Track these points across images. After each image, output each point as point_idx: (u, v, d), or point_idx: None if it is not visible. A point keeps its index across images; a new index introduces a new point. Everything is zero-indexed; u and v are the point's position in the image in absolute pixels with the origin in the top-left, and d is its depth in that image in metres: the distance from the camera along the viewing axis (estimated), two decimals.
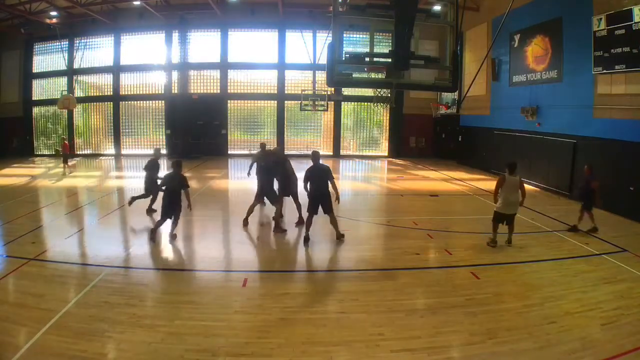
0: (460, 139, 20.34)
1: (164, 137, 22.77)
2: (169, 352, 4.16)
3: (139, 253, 7.16)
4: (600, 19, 10.01)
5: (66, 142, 16.91)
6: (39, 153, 23.53)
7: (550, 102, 13.26)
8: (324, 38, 19.96)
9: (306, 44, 21.95)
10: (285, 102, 22.76)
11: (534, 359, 4.17)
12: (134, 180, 16.00)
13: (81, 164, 20.29)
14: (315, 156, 7.67)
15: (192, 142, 21.97)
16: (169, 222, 7.80)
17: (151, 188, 9.54)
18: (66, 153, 16.34)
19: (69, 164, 16.38)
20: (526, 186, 14.74)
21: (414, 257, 7.11)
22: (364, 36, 19.63)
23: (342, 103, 22.91)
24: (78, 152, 23.29)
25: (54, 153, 18.29)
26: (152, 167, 9.76)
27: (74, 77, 22.71)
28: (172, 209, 7.67)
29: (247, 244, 7.79)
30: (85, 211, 10.59)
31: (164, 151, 22.43)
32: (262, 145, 9.70)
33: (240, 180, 14.02)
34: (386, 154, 23.43)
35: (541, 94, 13.68)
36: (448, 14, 5.86)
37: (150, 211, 9.73)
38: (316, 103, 20.66)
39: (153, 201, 9.80)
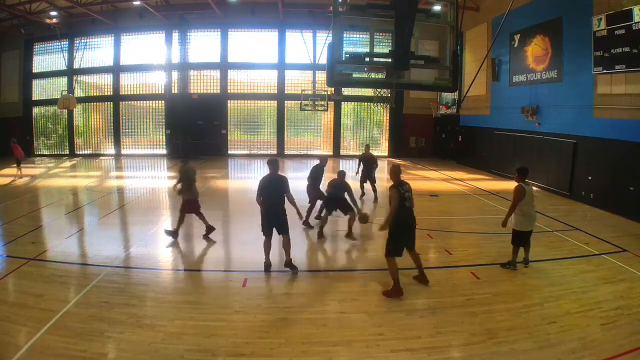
0: (460, 139, 20.35)
1: (164, 137, 22.77)
2: (169, 352, 4.16)
3: (139, 253, 7.16)
4: (600, 19, 10.00)
5: (16, 144, 15.65)
6: (39, 153, 23.54)
7: (550, 102, 13.26)
8: (324, 38, 19.97)
9: (306, 44, 21.96)
10: (285, 102, 22.77)
11: (534, 359, 4.16)
12: (134, 181, 16.02)
13: (81, 164, 20.31)
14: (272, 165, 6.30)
15: (192, 142, 21.98)
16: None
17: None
18: (18, 157, 15.47)
19: (21, 168, 15.55)
20: None
21: None
22: (364, 36, 19.59)
23: (342, 103, 22.92)
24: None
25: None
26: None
27: (74, 77, 22.72)
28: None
29: (247, 244, 7.78)
30: (85, 211, 10.59)
31: (163, 151, 22.55)
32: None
33: (241, 181, 14.05)
34: (386, 154, 23.44)
35: (541, 94, 13.68)
36: (448, 14, 5.85)
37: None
38: (316, 103, 20.66)
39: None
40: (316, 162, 9.15)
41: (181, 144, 21.85)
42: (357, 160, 11.73)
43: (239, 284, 5.86)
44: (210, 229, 7.99)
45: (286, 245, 6.32)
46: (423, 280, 5.97)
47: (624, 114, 10.17)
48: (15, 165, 15.60)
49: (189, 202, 7.86)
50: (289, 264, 6.31)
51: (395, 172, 5.71)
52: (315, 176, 8.90)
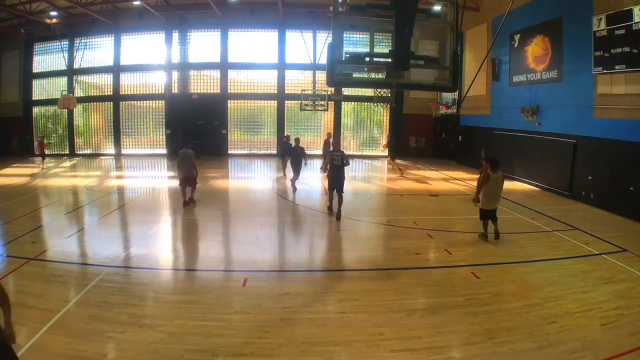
0: (460, 139, 20.34)
1: (164, 137, 22.76)
2: (169, 352, 4.16)
3: (139, 253, 7.16)
4: (600, 19, 10.00)
5: (42, 141, 18.38)
6: (39, 153, 23.49)
7: (550, 102, 13.26)
8: (324, 38, 19.96)
9: (306, 44, 21.94)
10: (285, 102, 22.76)
11: (534, 359, 4.17)
12: (134, 180, 16.02)
13: (81, 164, 20.30)
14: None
15: (192, 142, 21.92)
16: None
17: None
18: (41, 152, 17.80)
19: (43, 162, 17.90)
20: (526, 186, 14.76)
21: (414, 257, 7.11)
22: (364, 36, 19.61)
23: (342, 103, 22.90)
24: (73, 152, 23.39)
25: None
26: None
27: (74, 77, 22.71)
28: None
29: (247, 244, 7.79)
30: (85, 211, 10.59)
31: (163, 151, 22.56)
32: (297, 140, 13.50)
33: (241, 180, 14.04)
34: (386, 153, 23.40)
35: (541, 94, 13.68)
36: (448, 14, 5.85)
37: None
38: (316, 103, 20.63)
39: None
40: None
41: (181, 143, 21.79)
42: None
43: (239, 284, 5.86)
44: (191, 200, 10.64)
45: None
46: (337, 216, 9.31)
47: (624, 114, 10.17)
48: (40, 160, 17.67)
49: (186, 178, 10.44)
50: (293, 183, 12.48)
51: (334, 144, 10.60)
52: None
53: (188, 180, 10.43)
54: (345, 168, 9.31)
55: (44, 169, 17.39)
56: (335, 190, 9.38)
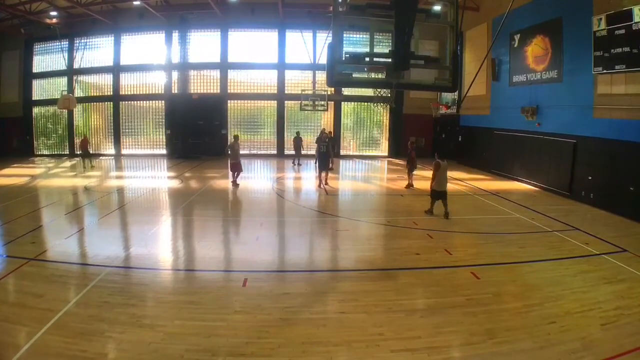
0: (460, 139, 20.33)
1: (164, 137, 22.76)
2: (169, 352, 4.17)
3: (139, 253, 7.16)
4: (600, 19, 10.00)
5: (86, 139, 18.95)
6: (39, 153, 23.53)
7: (550, 102, 13.26)
8: (324, 38, 19.96)
9: (306, 44, 21.94)
10: (285, 102, 22.75)
11: (534, 359, 4.17)
12: (134, 181, 16.01)
13: (80, 164, 20.28)
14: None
15: (192, 142, 21.96)
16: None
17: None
18: (85, 150, 18.26)
19: (91, 159, 18.62)
20: (526, 186, 14.79)
21: (414, 257, 7.11)
22: (364, 36, 19.61)
23: (342, 103, 22.91)
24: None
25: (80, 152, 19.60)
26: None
27: (74, 77, 22.70)
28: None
29: (247, 244, 7.79)
30: (85, 211, 10.59)
31: (163, 151, 22.57)
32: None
33: (240, 181, 14.04)
34: (386, 153, 23.43)
35: (541, 94, 13.68)
36: (448, 14, 5.84)
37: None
38: (316, 103, 20.62)
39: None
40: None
41: (181, 143, 21.83)
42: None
43: (239, 284, 5.86)
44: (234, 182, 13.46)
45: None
46: (324, 192, 12.63)
47: (624, 114, 10.17)
48: (82, 158, 18.34)
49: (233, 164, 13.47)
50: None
51: (322, 136, 14.09)
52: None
53: (235, 166, 13.41)
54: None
55: (93, 166, 18.19)
56: (323, 170, 13.26)
